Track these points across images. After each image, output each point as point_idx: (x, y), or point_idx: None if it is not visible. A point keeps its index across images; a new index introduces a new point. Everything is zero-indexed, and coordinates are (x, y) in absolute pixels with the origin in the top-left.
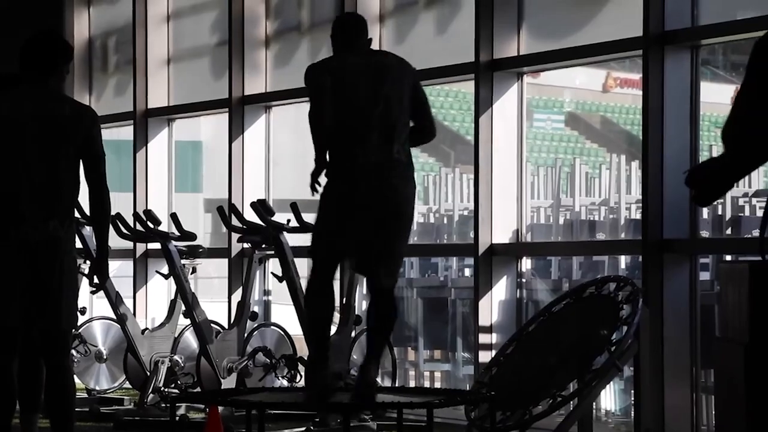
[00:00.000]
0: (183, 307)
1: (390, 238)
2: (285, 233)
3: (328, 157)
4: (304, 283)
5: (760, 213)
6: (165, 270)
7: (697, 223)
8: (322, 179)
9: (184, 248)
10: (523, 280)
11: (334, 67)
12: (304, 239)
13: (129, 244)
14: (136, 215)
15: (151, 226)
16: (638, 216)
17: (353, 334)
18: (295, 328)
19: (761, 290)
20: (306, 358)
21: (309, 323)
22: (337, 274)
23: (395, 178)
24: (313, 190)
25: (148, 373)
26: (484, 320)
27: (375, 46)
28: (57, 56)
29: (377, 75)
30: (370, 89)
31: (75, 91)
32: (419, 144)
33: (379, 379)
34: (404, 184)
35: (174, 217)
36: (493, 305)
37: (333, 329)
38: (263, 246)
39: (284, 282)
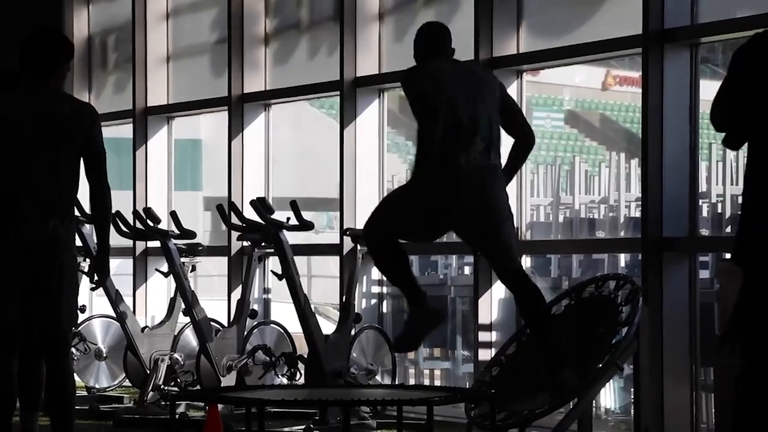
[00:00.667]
0: (183, 305)
1: (499, 234)
2: (284, 231)
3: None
4: (303, 281)
5: None
6: (165, 268)
7: (697, 221)
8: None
9: (183, 246)
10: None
11: (432, 72)
12: (304, 237)
13: (129, 242)
14: (135, 213)
15: (151, 224)
16: (638, 214)
17: (353, 332)
18: (294, 326)
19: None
20: (305, 356)
21: (393, 277)
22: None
23: (493, 186)
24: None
25: (148, 371)
26: (483, 318)
27: (374, 45)
28: (57, 54)
29: (478, 83)
30: (473, 95)
31: (75, 89)
32: (525, 154)
33: (378, 377)
34: (500, 190)
35: (173, 215)
36: (492, 303)
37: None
38: (263, 244)
39: (284, 280)
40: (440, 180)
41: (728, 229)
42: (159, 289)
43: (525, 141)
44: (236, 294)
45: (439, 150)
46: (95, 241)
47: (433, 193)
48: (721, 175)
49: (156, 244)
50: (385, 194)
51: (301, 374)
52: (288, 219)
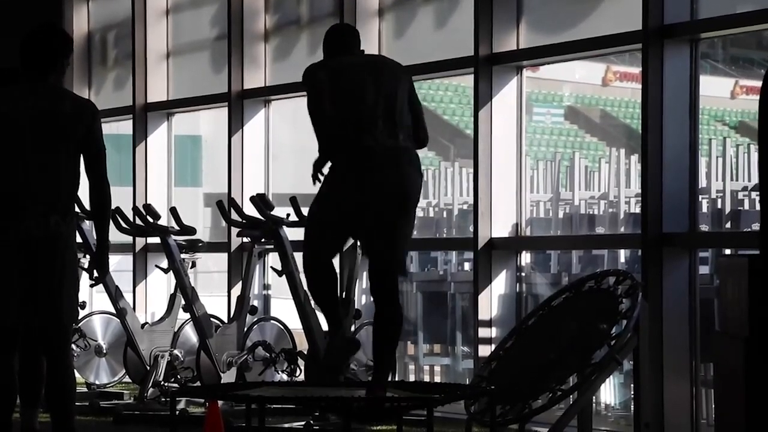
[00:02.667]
0: (182, 302)
1: (398, 221)
2: (284, 227)
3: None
4: (303, 278)
5: (759, 207)
6: (164, 264)
7: (697, 217)
8: (325, 170)
9: (183, 242)
10: (523, 274)
11: (332, 65)
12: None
13: (128, 239)
14: (135, 210)
15: (151, 220)
16: (638, 210)
17: (352, 328)
18: (294, 323)
19: (760, 284)
20: (305, 352)
21: (318, 299)
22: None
23: (406, 164)
24: (315, 179)
25: (148, 368)
26: (483, 314)
27: (374, 40)
28: (57, 50)
29: (377, 69)
30: (371, 80)
31: (74, 85)
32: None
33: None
34: (414, 171)
35: (173, 211)
36: (492, 299)
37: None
38: (263, 240)
39: (284, 276)
40: (349, 163)
41: (728, 225)
42: (159, 285)
43: (419, 138)
44: (236, 290)
45: (342, 136)
46: (95, 237)
47: (345, 179)
48: (721, 170)
49: (156, 240)
50: None
51: (300, 370)
52: (288, 215)
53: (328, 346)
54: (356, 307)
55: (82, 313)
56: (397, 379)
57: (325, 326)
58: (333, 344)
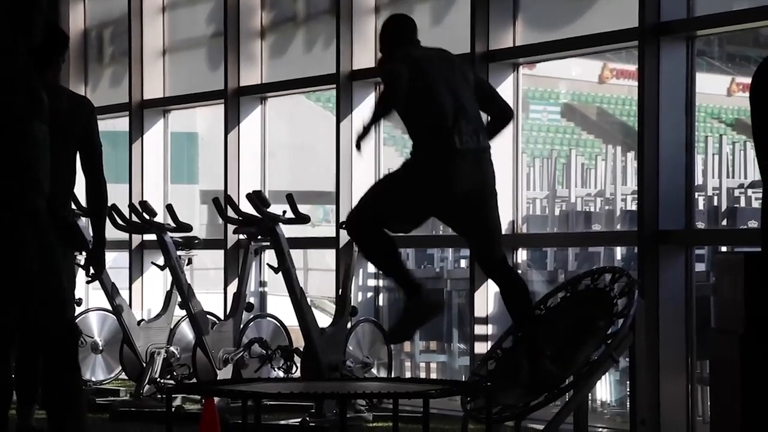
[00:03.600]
0: (179, 299)
1: (489, 217)
2: (281, 224)
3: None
4: (299, 274)
5: (755, 204)
6: (161, 261)
7: (693, 214)
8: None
9: (179, 239)
10: (519, 271)
11: (408, 60)
12: (300, 230)
13: (125, 236)
14: (131, 206)
15: (147, 217)
16: (634, 207)
17: (349, 325)
18: (290, 319)
19: (756, 281)
20: (301, 349)
21: (384, 265)
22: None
23: (487, 164)
24: (358, 147)
25: (144, 365)
26: (479, 311)
27: (371, 38)
28: (54, 47)
29: (450, 67)
30: (446, 78)
31: (71, 82)
32: (501, 129)
33: (374, 370)
34: (492, 168)
35: (170, 208)
36: (488, 296)
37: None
38: (259, 237)
39: (280, 273)
40: (437, 161)
41: (724, 222)
42: (155, 282)
43: (503, 116)
44: (232, 287)
45: (431, 134)
46: (91, 234)
47: (429, 173)
48: (717, 168)
49: (152, 237)
50: None
51: (297, 367)
52: (284, 212)
53: (403, 309)
54: (352, 304)
55: (78, 310)
56: (392, 375)
57: (321, 323)
58: (409, 307)
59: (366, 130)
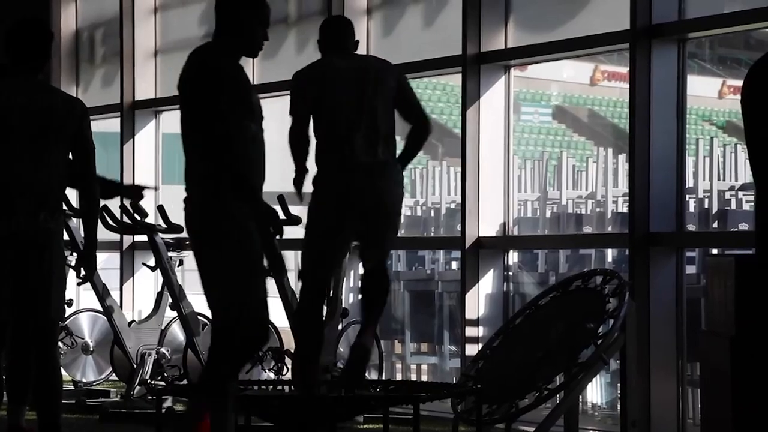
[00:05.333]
0: (170, 300)
1: (379, 235)
2: None
3: (309, 164)
4: (291, 276)
5: (746, 207)
6: (152, 262)
7: (684, 216)
8: (306, 188)
9: (171, 240)
10: (510, 274)
11: (317, 75)
12: (292, 231)
13: (116, 237)
14: (122, 207)
15: (138, 218)
16: (625, 209)
17: (340, 326)
18: (281, 321)
19: (747, 283)
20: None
21: (301, 327)
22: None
23: (382, 179)
24: (300, 197)
25: (135, 366)
26: (470, 313)
27: (362, 39)
28: (44, 46)
29: (360, 80)
30: (353, 95)
31: (62, 82)
32: (420, 143)
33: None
34: (391, 184)
35: (161, 209)
36: (479, 298)
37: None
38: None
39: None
40: (329, 181)
41: (715, 225)
42: (146, 283)
43: (419, 127)
44: None
45: (324, 147)
46: (83, 235)
47: (322, 191)
48: (708, 170)
49: (143, 238)
50: None
51: (287, 369)
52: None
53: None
54: (343, 306)
55: (68, 311)
56: (383, 377)
57: None
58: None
59: (298, 175)
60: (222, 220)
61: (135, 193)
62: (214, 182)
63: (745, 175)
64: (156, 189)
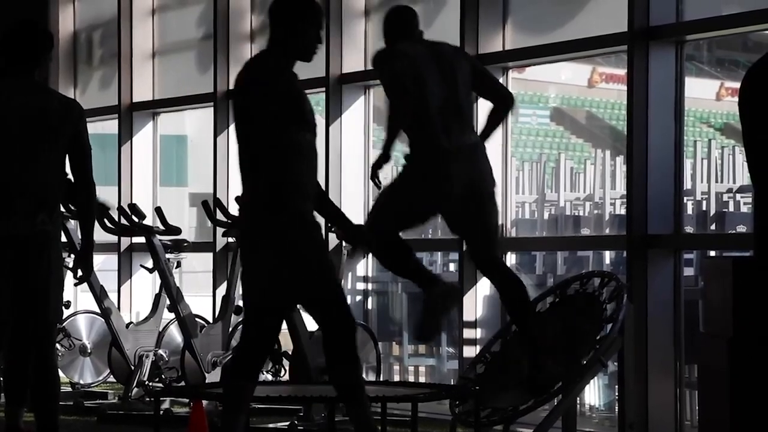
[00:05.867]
0: (167, 302)
1: (487, 215)
2: None
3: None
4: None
5: (744, 209)
6: (150, 264)
7: (682, 218)
8: (381, 173)
9: (168, 242)
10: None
11: (407, 53)
12: None
13: (114, 238)
14: (120, 209)
15: (136, 220)
16: (623, 211)
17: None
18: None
19: (745, 285)
20: (290, 353)
21: (401, 270)
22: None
23: (481, 160)
24: (374, 180)
25: (133, 367)
26: (468, 315)
27: (360, 41)
28: (40, 47)
29: (445, 62)
30: (442, 76)
31: (60, 84)
32: (503, 117)
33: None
34: (488, 164)
35: (159, 211)
36: (477, 300)
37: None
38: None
39: None
40: (428, 163)
41: (713, 227)
42: (144, 285)
43: (503, 102)
44: (221, 290)
45: (420, 133)
46: (80, 236)
47: (423, 177)
48: (705, 172)
49: (141, 240)
50: (371, 191)
51: (285, 371)
52: None
53: (424, 305)
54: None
55: (66, 313)
56: (381, 378)
57: (310, 326)
58: (432, 297)
59: (381, 159)
60: (290, 229)
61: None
62: (277, 194)
63: (743, 177)
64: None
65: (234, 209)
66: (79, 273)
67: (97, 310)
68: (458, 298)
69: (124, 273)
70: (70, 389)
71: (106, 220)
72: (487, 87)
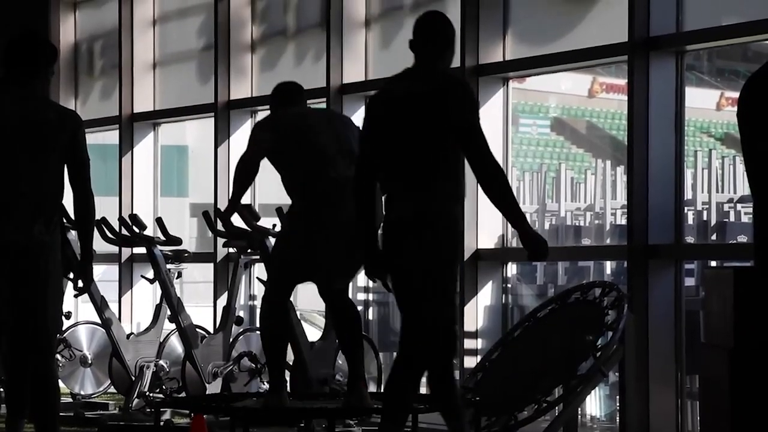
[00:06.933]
0: (168, 312)
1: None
2: (270, 238)
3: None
4: None
5: (745, 219)
6: (150, 274)
7: (683, 228)
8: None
9: (169, 253)
10: (509, 286)
11: (283, 119)
12: None
13: (114, 249)
14: (121, 219)
15: (137, 230)
16: (623, 221)
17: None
18: None
19: (746, 295)
20: (291, 364)
21: (267, 350)
22: None
23: None
24: (225, 226)
25: (133, 378)
26: (469, 325)
27: (360, 52)
28: (42, 58)
29: (328, 116)
30: (326, 124)
31: (61, 95)
32: None
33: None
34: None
35: (159, 221)
36: (478, 310)
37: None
38: (249, 251)
39: None
40: (314, 195)
41: (713, 237)
42: (145, 295)
43: None
44: (222, 301)
45: (308, 173)
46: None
47: (311, 210)
48: (706, 182)
49: (142, 250)
50: None
51: (286, 381)
52: (274, 226)
53: (264, 402)
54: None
55: (67, 323)
56: (382, 389)
57: (311, 337)
58: (267, 403)
59: (231, 207)
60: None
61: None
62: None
63: (744, 187)
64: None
65: (235, 220)
66: (79, 283)
67: (98, 320)
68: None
69: (124, 283)
70: (70, 400)
71: (106, 231)
72: None
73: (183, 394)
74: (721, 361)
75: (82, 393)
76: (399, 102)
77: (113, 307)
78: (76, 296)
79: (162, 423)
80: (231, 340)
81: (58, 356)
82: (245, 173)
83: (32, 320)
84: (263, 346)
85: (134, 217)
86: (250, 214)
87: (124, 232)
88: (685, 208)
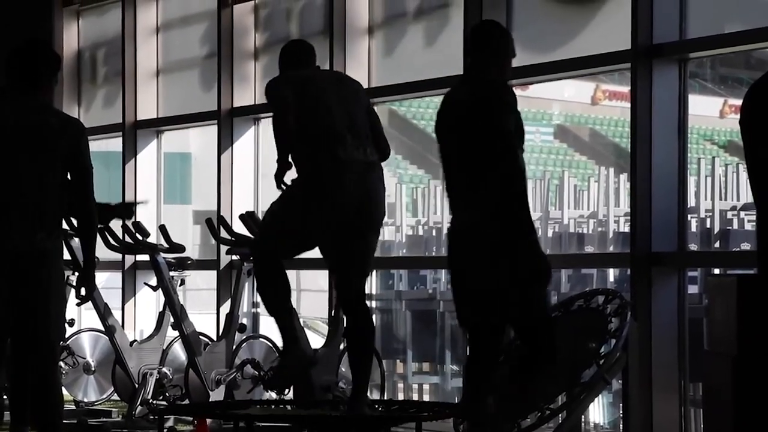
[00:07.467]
0: (171, 319)
1: (366, 234)
2: None
3: (293, 158)
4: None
5: (748, 226)
6: (153, 282)
7: (686, 236)
8: (287, 179)
9: (172, 260)
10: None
11: (294, 79)
12: None
13: (117, 256)
14: (124, 227)
15: (140, 237)
16: (627, 229)
17: (342, 346)
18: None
19: (749, 303)
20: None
21: (270, 306)
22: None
23: (375, 179)
24: (280, 188)
25: (137, 385)
26: None
27: (363, 59)
28: (44, 67)
29: (337, 83)
30: (335, 95)
31: (64, 102)
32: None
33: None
34: (381, 185)
35: (163, 228)
36: None
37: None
38: (252, 258)
39: None
40: (321, 175)
41: (717, 244)
42: (148, 302)
43: (381, 155)
44: (225, 308)
45: (316, 146)
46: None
47: (316, 189)
48: (709, 190)
49: (145, 257)
50: None
51: (289, 389)
52: None
53: (279, 364)
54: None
55: (70, 331)
56: (385, 397)
57: (314, 344)
58: (283, 363)
59: (281, 168)
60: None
61: (126, 212)
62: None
63: (747, 195)
64: (146, 202)
65: (238, 227)
66: (82, 291)
67: (101, 328)
68: (304, 376)
69: (128, 291)
70: (73, 407)
71: (109, 238)
72: (372, 134)
73: (186, 402)
74: (725, 369)
75: (86, 400)
76: (448, 108)
77: (116, 314)
78: (78, 305)
79: (165, 430)
80: (234, 347)
81: (62, 364)
82: (285, 133)
83: (34, 328)
84: (263, 302)
85: (137, 225)
86: (252, 220)
87: (128, 239)
88: (689, 216)
